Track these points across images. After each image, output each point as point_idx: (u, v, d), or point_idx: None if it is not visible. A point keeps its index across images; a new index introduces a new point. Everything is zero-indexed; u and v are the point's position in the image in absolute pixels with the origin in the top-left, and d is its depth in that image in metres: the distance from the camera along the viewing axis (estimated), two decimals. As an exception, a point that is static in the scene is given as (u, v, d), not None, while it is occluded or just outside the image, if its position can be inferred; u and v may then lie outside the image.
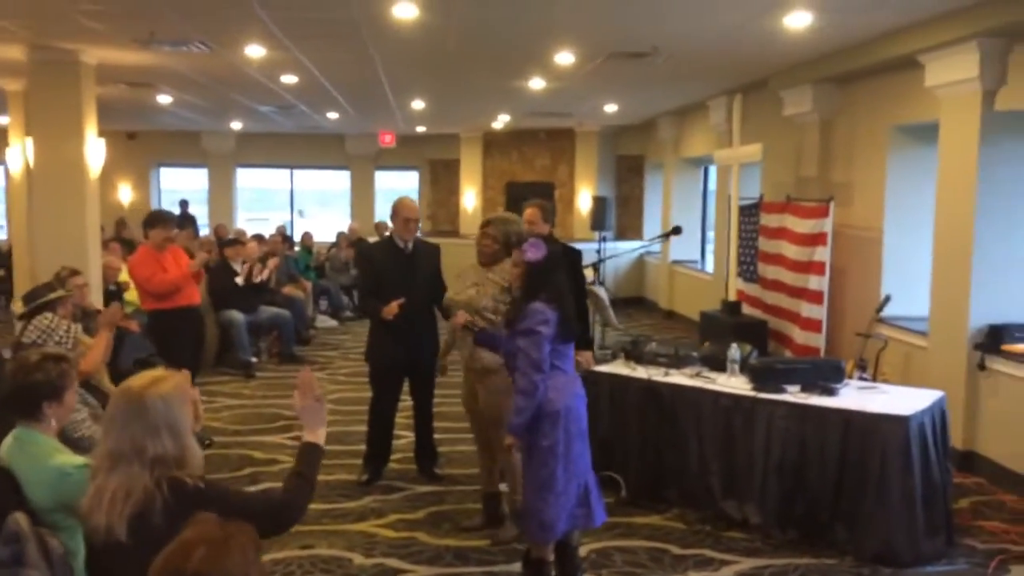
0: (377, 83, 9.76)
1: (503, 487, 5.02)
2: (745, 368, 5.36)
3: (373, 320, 5.69)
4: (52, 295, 5.45)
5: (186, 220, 14.90)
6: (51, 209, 7.86)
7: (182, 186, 19.40)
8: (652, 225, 15.03)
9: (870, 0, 5.63)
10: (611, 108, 12.25)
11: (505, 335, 4.18)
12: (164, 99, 11.51)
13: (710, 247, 12.74)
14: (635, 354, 5.77)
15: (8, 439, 3.07)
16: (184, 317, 6.65)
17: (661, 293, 13.73)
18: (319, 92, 10.53)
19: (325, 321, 12.47)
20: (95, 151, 8.10)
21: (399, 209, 5.60)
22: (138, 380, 2.51)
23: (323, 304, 13.03)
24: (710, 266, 12.33)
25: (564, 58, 7.82)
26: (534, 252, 4.02)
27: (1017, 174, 5.98)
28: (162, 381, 2.50)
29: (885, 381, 5.98)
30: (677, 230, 6.73)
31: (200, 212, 17.67)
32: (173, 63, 8.46)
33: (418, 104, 11.91)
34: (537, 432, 3.94)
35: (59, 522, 2.82)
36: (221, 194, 17.85)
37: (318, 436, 2.74)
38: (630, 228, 15.64)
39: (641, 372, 5.51)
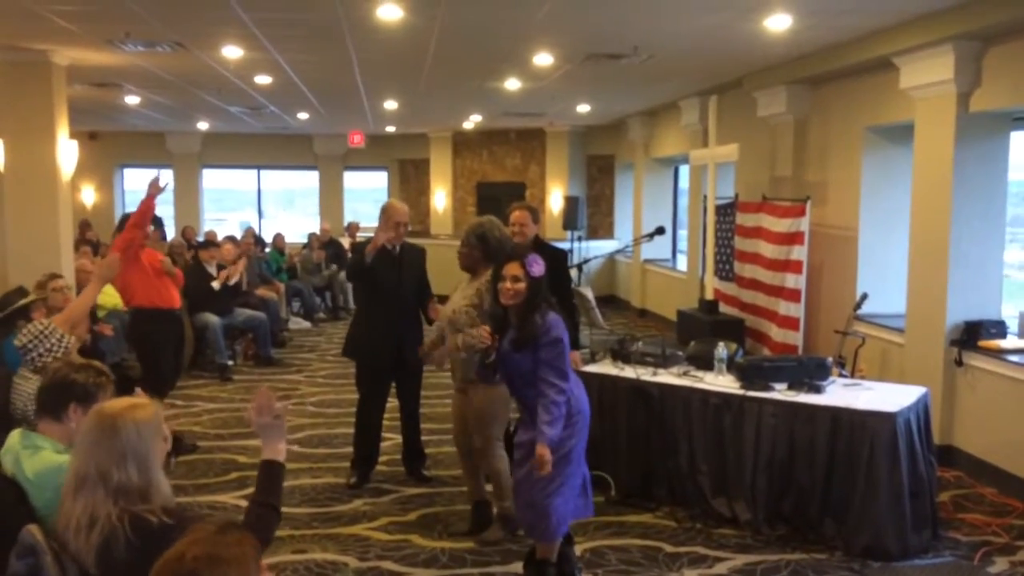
0: (352, 84, 9.71)
1: (489, 488, 5.04)
2: (732, 367, 5.43)
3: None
4: (25, 300, 5.36)
5: (153, 222, 14.65)
6: (23, 212, 7.72)
7: (144, 187, 19.07)
8: (623, 225, 15.13)
9: (848, 3, 5.73)
10: (583, 108, 12.30)
11: (503, 353, 4.10)
12: (132, 99, 11.34)
13: (681, 246, 12.87)
14: (622, 354, 5.82)
15: (6, 446, 3.01)
16: (165, 319, 6.57)
17: (634, 292, 13.83)
18: (292, 93, 10.45)
19: (298, 323, 12.38)
20: (67, 153, 7.96)
21: (389, 213, 5.59)
22: (114, 403, 2.48)
23: (295, 306, 12.93)
24: (681, 265, 12.46)
25: (542, 59, 7.85)
26: (537, 268, 4.01)
27: (991, 173, 6.12)
28: (139, 408, 2.46)
29: (863, 378, 6.09)
30: (661, 230, 6.82)
31: (165, 213, 17.39)
32: (145, 63, 8.34)
33: (390, 104, 11.86)
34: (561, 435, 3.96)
35: None
36: (187, 195, 17.62)
37: (278, 452, 2.64)
38: (601, 227, 15.72)
39: (629, 372, 5.55)
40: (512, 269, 4.00)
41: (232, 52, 7.53)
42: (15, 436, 2.93)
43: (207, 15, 6.20)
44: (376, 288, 5.59)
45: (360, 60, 8.07)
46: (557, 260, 5.36)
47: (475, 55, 7.86)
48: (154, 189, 6.31)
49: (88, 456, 2.35)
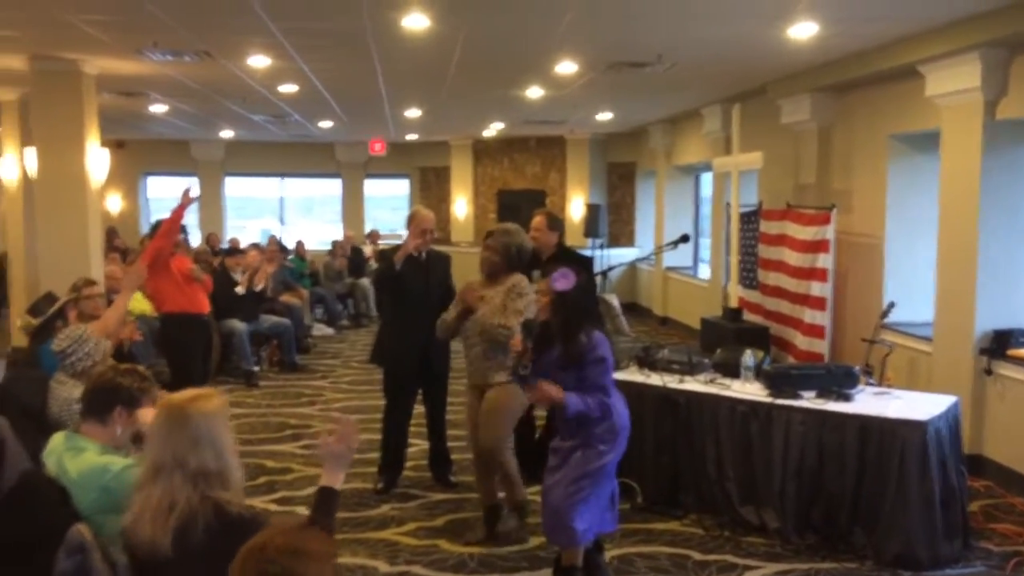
0: (375, 92, 9.78)
1: (501, 495, 5.07)
2: (760, 374, 5.42)
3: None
4: (58, 304, 5.42)
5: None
6: (53, 219, 7.83)
7: (170, 195, 19.26)
8: (645, 232, 15.12)
9: (874, 11, 5.73)
10: (604, 116, 12.33)
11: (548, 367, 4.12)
12: (158, 108, 11.47)
13: (703, 254, 12.85)
14: (648, 361, 5.82)
15: (50, 447, 3.07)
16: (195, 325, 6.65)
17: (655, 300, 13.81)
18: (316, 101, 10.53)
19: (321, 329, 12.44)
20: (97, 161, 8.07)
21: (417, 219, 5.63)
22: (181, 395, 2.55)
23: (318, 312, 13.00)
24: (703, 273, 12.44)
25: (566, 68, 7.88)
26: (564, 283, 3.99)
27: (1019, 181, 6.09)
28: (206, 398, 2.53)
29: (891, 386, 6.06)
30: (685, 238, 6.80)
31: (190, 221, 17.55)
32: (171, 72, 8.43)
33: (413, 112, 11.93)
34: (597, 448, 3.99)
35: (107, 527, 2.82)
36: (211, 203, 17.76)
37: (338, 480, 2.66)
38: (622, 235, 15.71)
39: (656, 379, 5.55)
40: (542, 283, 4.07)
41: (258, 61, 7.61)
42: (59, 438, 2.99)
43: (234, 24, 6.27)
44: (403, 295, 5.62)
45: (384, 69, 8.13)
46: (582, 267, 5.37)
47: (498, 63, 7.91)
48: (185, 199, 6.40)
49: (163, 446, 2.42)
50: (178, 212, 6.48)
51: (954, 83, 6.15)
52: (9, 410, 4.05)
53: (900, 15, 5.78)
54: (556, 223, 5.66)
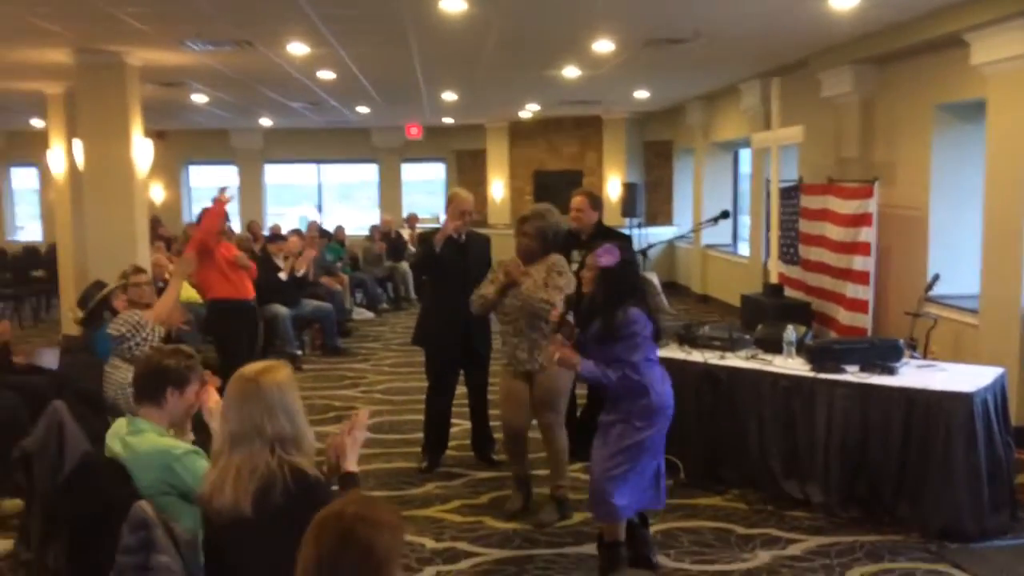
0: (412, 77, 9.83)
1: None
2: (802, 349, 5.40)
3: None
4: (105, 290, 5.57)
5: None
6: (101, 209, 8.02)
7: (211, 184, 19.55)
8: (683, 211, 15.04)
9: (917, -21, 5.64)
10: (641, 95, 12.26)
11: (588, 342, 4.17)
12: (199, 98, 11.64)
13: (741, 231, 12.76)
14: (688, 338, 5.82)
15: (112, 430, 3.17)
16: (241, 311, 6.79)
17: (694, 278, 13.75)
18: (353, 87, 10.62)
19: (361, 313, 12.58)
20: (142, 151, 8.23)
21: (456, 201, 5.67)
22: (251, 368, 2.64)
23: (358, 296, 13.14)
24: (743, 250, 12.35)
25: (602, 46, 7.86)
26: (608, 258, 4.03)
27: (1067, 150, 5.98)
28: (275, 369, 2.63)
29: (935, 359, 6.00)
30: (726, 214, 6.76)
31: (231, 209, 17.78)
32: (212, 62, 8.57)
33: (449, 96, 11.97)
34: (635, 424, 4.02)
35: (167, 507, 2.92)
36: (251, 191, 18.01)
37: (354, 464, 2.79)
38: (660, 214, 15.66)
39: (697, 356, 5.56)
40: (590, 259, 4.09)
41: (298, 49, 7.69)
42: (121, 423, 3.09)
43: (274, 12, 6.35)
44: (443, 277, 5.67)
45: (420, 52, 8.18)
46: (625, 245, 5.39)
47: (535, 44, 7.91)
48: (222, 198, 6.57)
49: (239, 416, 2.52)
50: (216, 209, 6.63)
51: (1001, 51, 6.03)
52: (66, 395, 4.20)
53: (943, -18, 5.68)
54: (597, 202, 5.67)
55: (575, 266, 5.19)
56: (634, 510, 4.17)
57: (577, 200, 5.55)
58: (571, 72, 9.56)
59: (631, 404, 4.07)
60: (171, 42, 7.39)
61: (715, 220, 6.83)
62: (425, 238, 5.73)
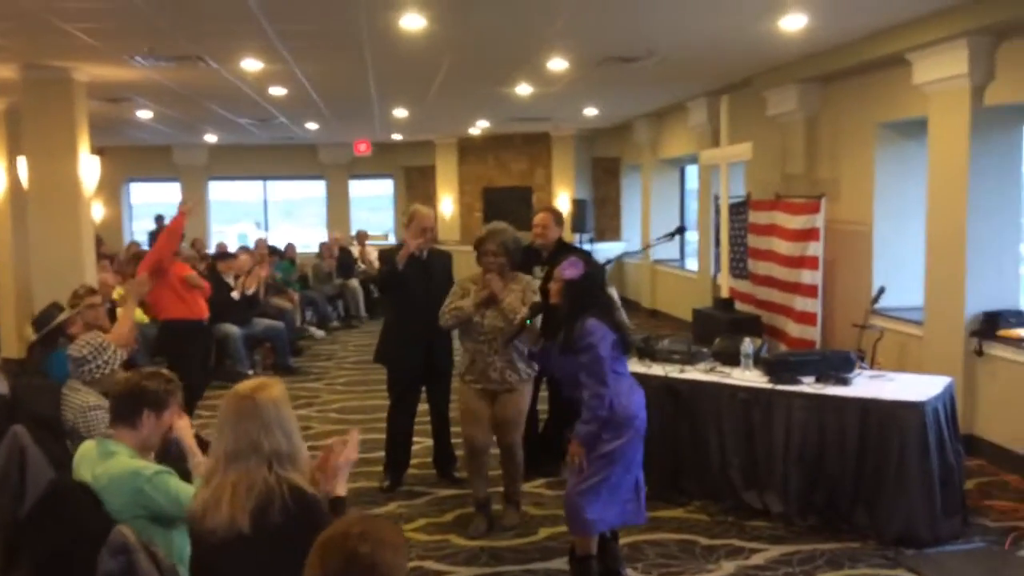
0: (365, 93, 9.82)
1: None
2: (759, 362, 5.51)
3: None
4: (61, 316, 5.45)
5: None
6: (46, 228, 7.82)
7: (153, 200, 19.19)
8: (631, 226, 15.22)
9: (864, 2, 5.83)
10: (591, 112, 12.41)
11: (554, 353, 4.27)
12: (144, 114, 11.44)
13: (689, 246, 12.95)
14: (648, 352, 5.90)
15: (80, 453, 3.11)
16: (194, 331, 6.68)
17: (643, 293, 13.92)
18: (305, 103, 10.55)
19: (311, 331, 12.45)
20: (88, 169, 8.06)
21: (416, 218, 5.68)
22: (246, 385, 2.63)
23: (308, 314, 13.00)
24: (690, 264, 12.55)
25: (557, 64, 7.95)
26: (572, 271, 4.13)
27: (1005, 165, 6.24)
28: (270, 386, 2.63)
29: (881, 370, 6.17)
30: (681, 230, 6.91)
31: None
32: (161, 77, 8.44)
33: (400, 112, 11.97)
34: (601, 437, 4.06)
35: (139, 530, 2.87)
36: (195, 208, 17.67)
37: (343, 489, 2.76)
38: (608, 229, 15.82)
39: (657, 369, 5.64)
40: (557, 272, 4.18)
41: (251, 65, 7.63)
42: (89, 445, 3.04)
43: (232, 28, 6.29)
44: (406, 294, 5.66)
45: (376, 69, 8.17)
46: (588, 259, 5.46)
47: (491, 61, 7.96)
48: (184, 208, 6.48)
49: (235, 433, 2.50)
50: (176, 222, 6.53)
51: (942, 70, 6.26)
52: (21, 419, 4.08)
53: (890, 5, 5.88)
54: (560, 219, 5.75)
55: (538, 282, 5.25)
56: (611, 524, 4.20)
57: (542, 217, 5.62)
58: (524, 89, 9.64)
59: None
60: (121, 57, 7.27)
61: (671, 236, 6.95)
62: (387, 256, 5.71)
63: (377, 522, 1.86)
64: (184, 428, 3.29)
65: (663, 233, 7.03)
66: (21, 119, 7.80)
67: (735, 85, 9.38)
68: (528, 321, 4.51)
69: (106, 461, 2.94)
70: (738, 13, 6.09)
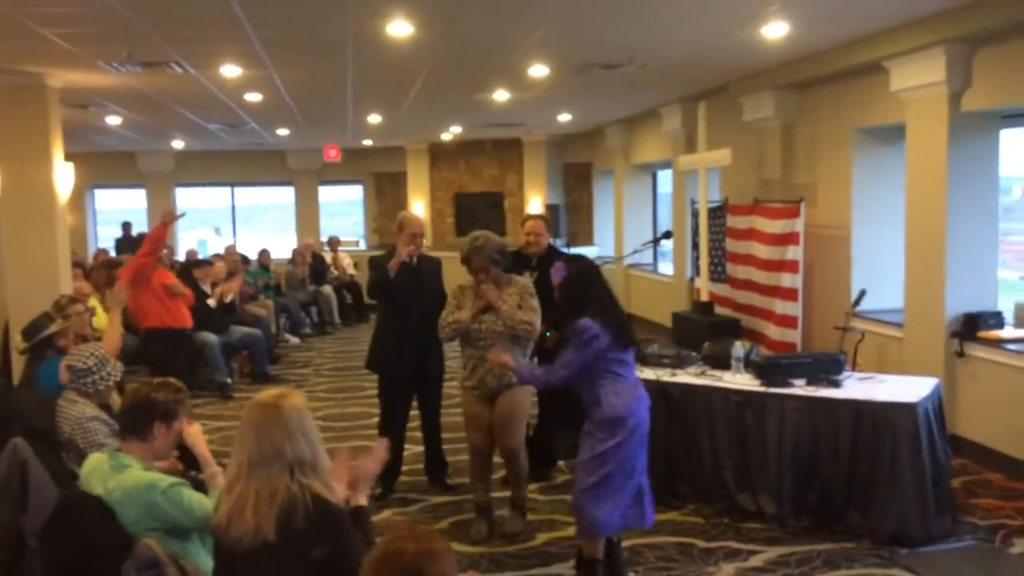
0: (340, 100, 9.75)
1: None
2: (750, 365, 5.57)
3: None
4: (52, 328, 5.35)
5: (134, 242, 14.56)
6: (21, 235, 7.65)
7: (118, 207, 18.85)
8: (603, 231, 15.29)
9: (844, 10, 5.93)
10: (564, 117, 12.44)
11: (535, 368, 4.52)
12: (112, 120, 11.26)
13: (663, 250, 13.03)
14: (639, 356, 5.93)
15: (91, 466, 3.05)
16: (177, 339, 6.59)
17: (618, 297, 13.93)
18: (279, 109, 10.45)
19: (287, 338, 12.34)
20: (62, 175, 7.91)
21: (406, 225, 5.66)
22: (269, 394, 2.63)
23: (282, 321, 12.88)
24: (664, 269, 12.63)
25: (538, 71, 7.96)
26: (557, 276, 4.48)
27: (983, 170, 6.37)
28: (291, 395, 2.63)
29: (864, 372, 6.27)
30: (668, 234, 6.95)
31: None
32: (135, 83, 8.30)
33: (374, 118, 11.91)
34: (596, 436, 4.09)
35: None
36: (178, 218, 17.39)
37: (365, 499, 2.84)
38: (581, 234, 15.87)
39: (649, 373, 5.67)
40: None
41: (230, 71, 7.54)
42: (100, 458, 2.98)
43: (214, 33, 6.22)
44: (397, 301, 5.65)
45: (355, 76, 8.12)
46: (577, 261, 5.51)
47: (473, 67, 7.94)
48: (168, 218, 6.39)
49: (257, 441, 2.49)
50: (159, 230, 6.44)
51: (919, 77, 6.39)
52: (14, 431, 3.99)
53: (868, 13, 5.99)
54: (550, 225, 5.77)
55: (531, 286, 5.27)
56: (616, 528, 4.22)
57: (534, 224, 5.66)
58: (501, 95, 9.64)
59: (591, 415, 4.22)
60: (95, 63, 7.14)
61: (657, 240, 7.00)
62: (378, 263, 5.68)
63: (427, 535, 1.88)
64: (197, 436, 3.25)
65: (647, 240, 7.11)
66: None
67: (711, 91, 9.47)
68: (547, 333, 4.72)
69: (119, 474, 2.89)
70: (721, 21, 6.15)
